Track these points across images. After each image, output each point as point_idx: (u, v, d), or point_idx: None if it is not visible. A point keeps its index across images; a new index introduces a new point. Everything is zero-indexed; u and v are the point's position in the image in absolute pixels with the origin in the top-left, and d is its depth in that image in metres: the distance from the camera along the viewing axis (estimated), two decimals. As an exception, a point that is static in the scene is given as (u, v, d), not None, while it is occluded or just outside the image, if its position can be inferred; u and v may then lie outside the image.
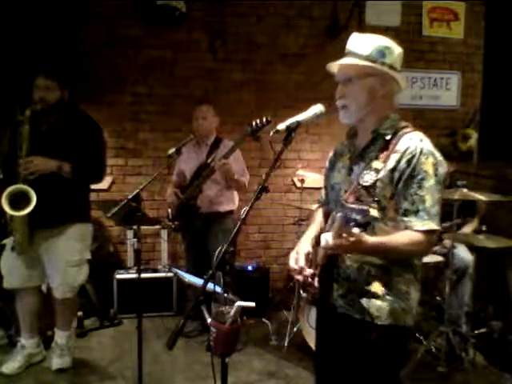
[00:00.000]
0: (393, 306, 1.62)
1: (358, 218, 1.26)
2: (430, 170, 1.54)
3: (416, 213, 1.54)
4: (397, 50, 1.65)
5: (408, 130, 1.63)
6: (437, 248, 3.50)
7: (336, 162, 1.81)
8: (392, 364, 1.72)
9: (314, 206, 2.00)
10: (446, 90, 4.87)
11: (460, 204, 3.09)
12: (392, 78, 1.64)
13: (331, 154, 1.88)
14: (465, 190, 3.03)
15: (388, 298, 1.62)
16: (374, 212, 1.25)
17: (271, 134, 1.60)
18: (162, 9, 4.09)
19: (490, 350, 3.26)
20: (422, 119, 4.80)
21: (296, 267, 1.66)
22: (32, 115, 2.72)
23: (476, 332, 3.31)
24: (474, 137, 4.69)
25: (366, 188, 1.56)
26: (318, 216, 1.89)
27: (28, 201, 2.62)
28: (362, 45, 1.63)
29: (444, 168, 1.58)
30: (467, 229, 3.48)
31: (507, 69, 4.39)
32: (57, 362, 3.01)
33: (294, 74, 4.54)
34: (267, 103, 4.43)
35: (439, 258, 3.31)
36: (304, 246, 1.73)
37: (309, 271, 1.63)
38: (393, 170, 1.56)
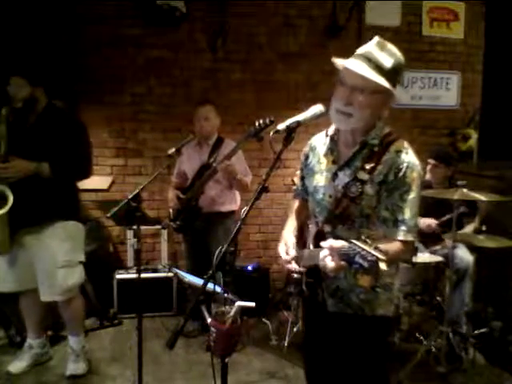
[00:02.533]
0: (381, 298, 1.71)
1: (365, 265, 1.27)
2: (413, 184, 1.59)
3: (394, 223, 1.60)
4: (405, 67, 1.63)
5: (392, 137, 1.65)
6: (437, 248, 3.51)
7: (315, 161, 1.81)
8: (382, 353, 1.79)
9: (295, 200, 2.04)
10: (445, 90, 4.86)
11: (460, 204, 3.09)
12: (394, 98, 1.62)
13: (306, 148, 1.90)
14: (465, 190, 3.03)
15: (376, 289, 1.70)
16: (382, 265, 1.26)
17: (271, 134, 1.61)
18: (162, 9, 4.10)
19: (489, 350, 3.26)
20: (422, 119, 4.81)
21: (288, 257, 1.71)
22: (12, 114, 2.71)
23: (476, 332, 3.31)
24: (473, 137, 4.70)
25: (351, 199, 1.61)
26: (296, 207, 1.96)
27: (5, 200, 2.59)
28: (385, 56, 1.57)
29: (422, 179, 1.65)
30: (467, 229, 3.48)
31: (507, 69, 4.39)
32: (71, 367, 2.96)
33: (294, 74, 4.54)
34: (267, 103, 4.43)
35: (439, 258, 3.31)
36: (289, 237, 1.80)
37: (296, 266, 1.70)
38: (381, 183, 1.61)
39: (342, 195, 1.64)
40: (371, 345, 1.73)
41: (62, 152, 2.74)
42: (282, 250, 1.76)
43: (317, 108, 1.68)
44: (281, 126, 1.61)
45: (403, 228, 1.58)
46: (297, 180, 2.01)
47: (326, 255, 1.41)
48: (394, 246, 1.56)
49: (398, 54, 1.60)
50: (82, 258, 2.97)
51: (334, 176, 1.71)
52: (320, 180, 1.77)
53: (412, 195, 1.58)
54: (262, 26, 4.46)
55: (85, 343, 3.08)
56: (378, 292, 1.70)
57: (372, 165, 1.61)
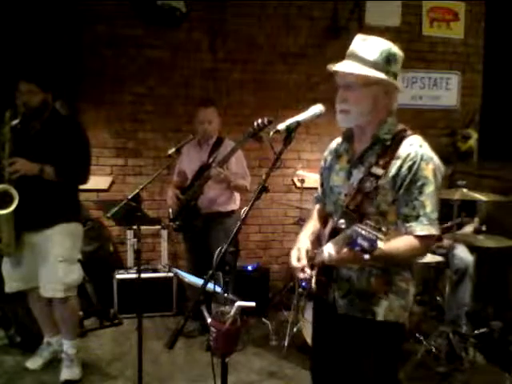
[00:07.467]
0: (394, 304, 1.67)
1: (365, 245, 1.26)
2: (430, 176, 1.56)
3: (416, 218, 1.56)
4: (400, 55, 1.64)
5: (406, 133, 1.64)
6: (437, 248, 3.51)
7: (332, 163, 1.81)
8: (392, 360, 1.76)
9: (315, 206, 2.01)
10: (445, 90, 4.86)
11: (460, 204, 3.09)
12: (395, 86, 1.63)
13: (326, 152, 1.89)
14: (465, 190, 3.03)
15: (390, 295, 1.66)
16: (380, 244, 1.25)
17: (271, 134, 1.61)
18: (162, 9, 4.10)
19: (489, 350, 3.26)
20: (422, 119, 4.80)
21: (298, 265, 1.67)
22: (19, 119, 2.73)
23: (476, 332, 3.31)
24: (473, 137, 4.69)
25: (366, 194, 1.59)
26: (316, 213, 1.93)
27: (11, 200, 2.61)
28: (368, 49, 1.59)
29: (442, 172, 1.61)
30: (467, 229, 3.48)
31: (507, 69, 4.39)
32: (65, 373, 2.93)
33: (294, 74, 4.54)
34: (267, 103, 4.43)
35: (439, 258, 3.30)
36: (304, 242, 1.76)
37: (308, 272, 1.65)
38: (395, 176, 1.58)
39: (356, 191, 1.62)
40: (380, 351, 1.69)
41: (64, 159, 2.76)
42: (294, 255, 1.72)
43: (316, 108, 1.68)
44: (281, 126, 1.61)
45: (425, 222, 1.56)
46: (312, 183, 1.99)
47: (329, 245, 1.43)
48: (410, 241, 1.55)
49: (385, 44, 1.61)
50: (80, 256, 3.02)
51: (349, 175, 1.69)
52: (336, 180, 1.76)
53: (430, 188, 1.55)
54: (262, 26, 4.46)
55: (78, 347, 3.03)
56: (391, 298, 1.66)
57: (386, 159, 1.59)
